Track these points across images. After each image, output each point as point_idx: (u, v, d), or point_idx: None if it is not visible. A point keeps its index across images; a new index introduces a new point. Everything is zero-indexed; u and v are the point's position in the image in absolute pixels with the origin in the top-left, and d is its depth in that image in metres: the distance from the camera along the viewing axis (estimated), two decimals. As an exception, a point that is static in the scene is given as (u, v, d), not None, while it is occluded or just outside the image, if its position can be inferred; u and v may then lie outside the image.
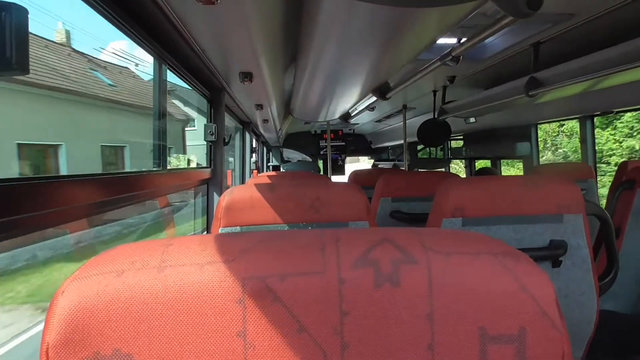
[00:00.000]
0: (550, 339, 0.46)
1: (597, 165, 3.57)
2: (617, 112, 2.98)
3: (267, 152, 7.60)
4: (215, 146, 2.42)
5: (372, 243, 0.48)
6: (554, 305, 0.47)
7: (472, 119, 3.89)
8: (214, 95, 2.39)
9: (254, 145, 5.30)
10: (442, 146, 6.16)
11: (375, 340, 0.45)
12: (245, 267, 0.45)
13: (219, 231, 1.29)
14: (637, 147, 10.50)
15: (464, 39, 1.50)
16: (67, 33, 9.55)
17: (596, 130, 3.78)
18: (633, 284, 2.08)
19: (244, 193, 1.33)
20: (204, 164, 2.50)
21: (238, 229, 1.30)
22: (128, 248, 0.48)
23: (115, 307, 0.44)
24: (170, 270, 0.45)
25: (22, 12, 0.72)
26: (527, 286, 0.47)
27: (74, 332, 0.43)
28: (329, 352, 0.45)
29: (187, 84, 2.02)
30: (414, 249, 0.47)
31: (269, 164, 7.52)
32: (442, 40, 1.92)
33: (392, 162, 7.31)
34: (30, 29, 0.75)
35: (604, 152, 10.78)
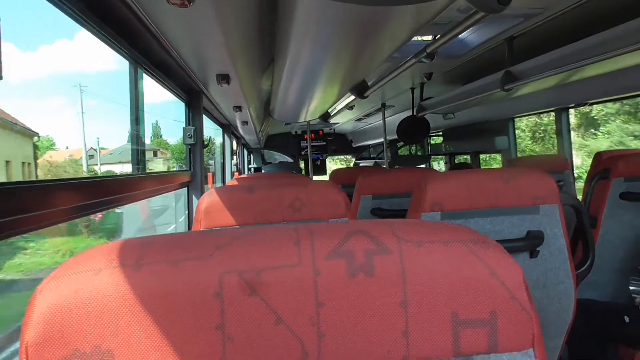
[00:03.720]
0: (520, 322, 0.48)
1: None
2: (592, 104, 3.04)
3: (249, 154, 7.54)
4: (194, 149, 2.40)
5: (345, 235, 0.48)
6: (523, 289, 0.49)
7: (450, 115, 3.92)
8: (191, 97, 2.37)
9: (234, 148, 5.26)
10: (422, 143, 6.20)
11: (351, 329, 0.47)
12: (222, 262, 0.46)
13: None
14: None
15: (438, 36, 1.51)
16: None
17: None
18: (611, 272, 2.13)
19: (222, 195, 1.33)
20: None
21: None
22: (105, 247, 0.49)
23: (93, 304, 0.44)
24: (148, 267, 0.46)
25: None
26: (497, 272, 0.48)
27: (53, 330, 0.43)
28: (306, 342, 0.46)
29: (164, 87, 2.00)
30: (386, 239, 0.48)
31: (250, 166, 7.46)
32: (417, 38, 1.94)
33: (373, 161, 7.31)
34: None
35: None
